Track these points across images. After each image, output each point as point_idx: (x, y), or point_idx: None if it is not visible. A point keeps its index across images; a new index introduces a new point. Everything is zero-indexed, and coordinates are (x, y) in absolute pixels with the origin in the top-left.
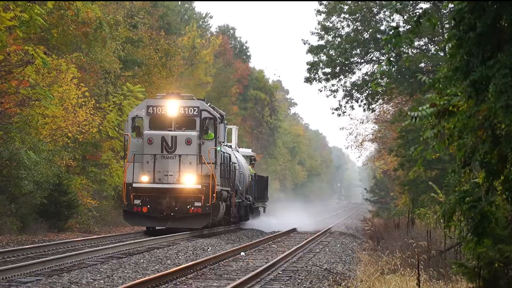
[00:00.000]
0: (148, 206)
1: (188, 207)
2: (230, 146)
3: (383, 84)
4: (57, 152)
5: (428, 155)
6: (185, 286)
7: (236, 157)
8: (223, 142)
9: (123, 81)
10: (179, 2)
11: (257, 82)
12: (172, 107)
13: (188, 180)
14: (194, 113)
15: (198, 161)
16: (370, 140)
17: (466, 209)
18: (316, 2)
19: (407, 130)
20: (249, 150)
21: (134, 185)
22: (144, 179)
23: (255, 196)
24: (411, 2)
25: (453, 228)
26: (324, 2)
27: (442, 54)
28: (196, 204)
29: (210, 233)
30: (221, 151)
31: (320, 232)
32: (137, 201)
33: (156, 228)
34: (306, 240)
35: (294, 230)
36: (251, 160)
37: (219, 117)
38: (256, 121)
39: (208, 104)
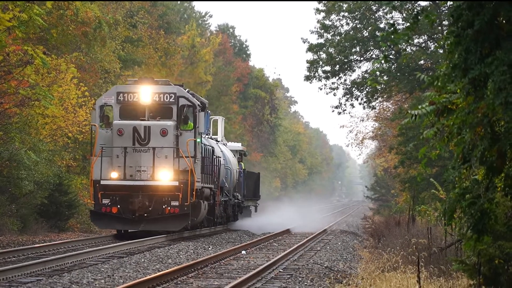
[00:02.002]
0: (118, 206)
1: (163, 207)
2: (216, 139)
3: (382, 81)
4: (57, 152)
5: (433, 155)
6: (186, 285)
7: (221, 151)
8: (206, 134)
9: (123, 81)
10: (179, 1)
11: (257, 81)
12: (145, 93)
13: (164, 176)
14: (171, 100)
15: (175, 155)
16: (371, 138)
17: (466, 206)
18: (315, 0)
19: (407, 127)
20: (239, 144)
21: (102, 182)
22: (114, 176)
23: (244, 194)
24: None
25: (453, 225)
26: (324, 1)
27: (441, 51)
28: (173, 203)
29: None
30: (201, 143)
31: (314, 234)
32: (105, 201)
33: (129, 231)
34: (307, 239)
35: (288, 231)
36: (240, 154)
37: (199, 105)
38: (257, 120)
39: (187, 90)
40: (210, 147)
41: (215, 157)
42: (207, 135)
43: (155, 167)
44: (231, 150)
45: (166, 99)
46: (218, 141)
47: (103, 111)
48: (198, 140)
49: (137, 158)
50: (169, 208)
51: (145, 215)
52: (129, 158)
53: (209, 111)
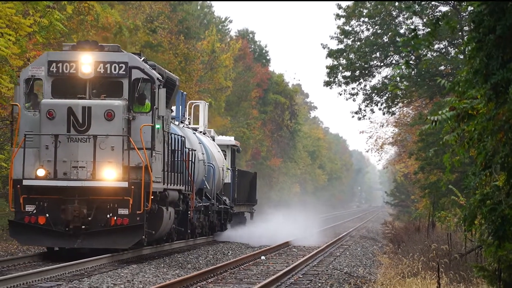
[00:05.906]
0: (47, 215)
1: (108, 216)
2: (196, 129)
3: (402, 87)
4: None
5: (456, 162)
6: None
7: (200, 143)
8: (181, 121)
9: None
10: (199, 7)
11: (277, 86)
12: (86, 63)
13: (109, 174)
14: (120, 72)
15: (125, 146)
16: (390, 144)
17: (486, 212)
18: (335, 6)
19: (427, 133)
20: (231, 138)
21: (25, 182)
22: (41, 173)
23: (235, 198)
24: (430, 5)
25: (473, 231)
26: (343, 6)
27: (461, 57)
28: (121, 211)
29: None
30: (164, 130)
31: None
32: (29, 207)
33: (66, 248)
34: (326, 244)
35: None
36: (232, 150)
37: (158, 79)
38: (276, 125)
39: (143, 59)
40: (179, 137)
41: (188, 150)
42: (182, 122)
43: (97, 163)
44: (220, 145)
45: (114, 70)
46: (201, 132)
47: (30, 86)
48: (158, 126)
49: (72, 150)
50: (115, 218)
51: (83, 227)
52: (62, 149)
53: (184, 93)
